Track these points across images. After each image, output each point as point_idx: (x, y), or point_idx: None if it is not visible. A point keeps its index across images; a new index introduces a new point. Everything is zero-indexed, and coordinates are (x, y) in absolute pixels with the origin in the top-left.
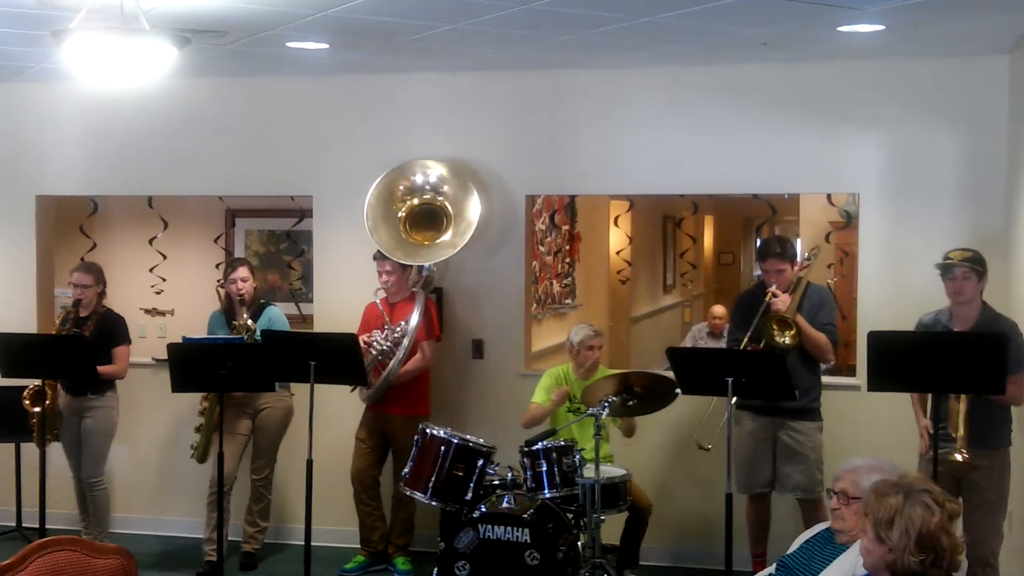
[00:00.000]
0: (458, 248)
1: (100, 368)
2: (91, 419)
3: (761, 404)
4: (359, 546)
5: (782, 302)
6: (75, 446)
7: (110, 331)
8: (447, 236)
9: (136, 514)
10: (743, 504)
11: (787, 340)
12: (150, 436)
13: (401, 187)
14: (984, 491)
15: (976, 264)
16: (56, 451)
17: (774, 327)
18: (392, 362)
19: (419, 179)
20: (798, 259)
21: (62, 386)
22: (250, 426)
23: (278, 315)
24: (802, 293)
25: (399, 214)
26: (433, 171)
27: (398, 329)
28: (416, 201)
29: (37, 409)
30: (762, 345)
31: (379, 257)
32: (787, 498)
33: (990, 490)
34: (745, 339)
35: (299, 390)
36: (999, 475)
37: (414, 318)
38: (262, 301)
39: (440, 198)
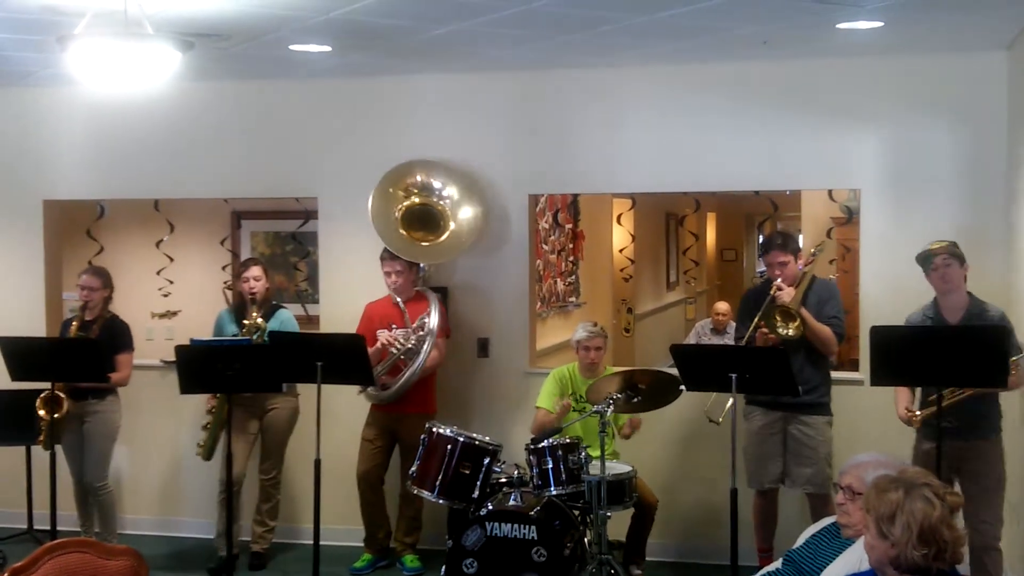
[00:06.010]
0: (460, 252)
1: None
2: (91, 423)
3: (771, 399)
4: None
5: (787, 294)
6: (76, 450)
7: (115, 337)
8: (443, 238)
9: (145, 515)
10: (750, 500)
11: (791, 332)
12: (159, 438)
13: (402, 186)
14: (983, 478)
15: (954, 248)
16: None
17: (778, 318)
18: (417, 361)
19: (420, 179)
20: (802, 253)
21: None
22: (258, 426)
23: (289, 318)
24: (807, 287)
25: (396, 212)
26: (435, 173)
27: (423, 328)
28: (418, 200)
29: (43, 413)
30: (770, 334)
31: (386, 257)
32: (793, 494)
33: (989, 477)
34: (749, 332)
35: (306, 390)
36: (996, 462)
37: (434, 316)
38: (274, 303)
39: (438, 200)
